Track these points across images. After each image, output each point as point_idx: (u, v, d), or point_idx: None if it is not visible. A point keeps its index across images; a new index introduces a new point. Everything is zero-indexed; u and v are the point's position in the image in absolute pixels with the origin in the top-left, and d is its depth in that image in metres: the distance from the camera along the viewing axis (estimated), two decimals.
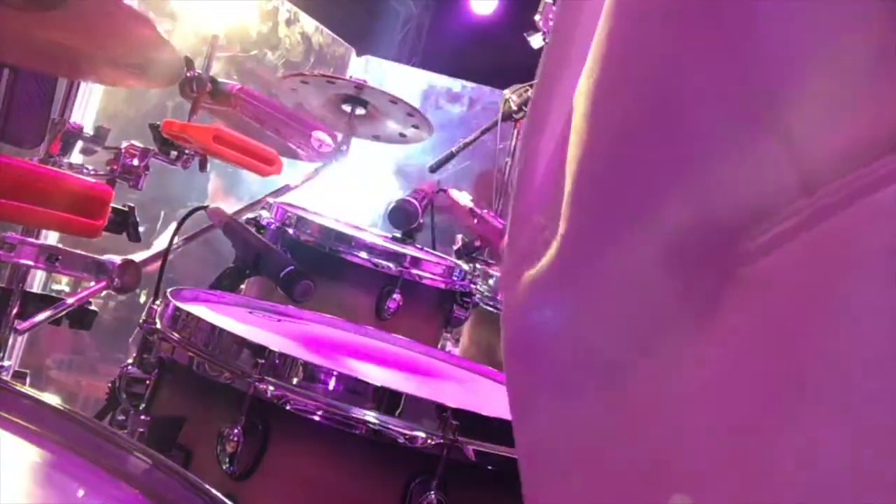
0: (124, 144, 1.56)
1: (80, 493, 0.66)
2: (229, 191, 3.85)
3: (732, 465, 0.37)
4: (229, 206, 1.76)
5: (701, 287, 0.40)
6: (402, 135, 2.36)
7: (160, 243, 1.98)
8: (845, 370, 0.35)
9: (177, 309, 1.11)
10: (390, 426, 0.95)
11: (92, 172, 1.54)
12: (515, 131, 2.61)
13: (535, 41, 2.35)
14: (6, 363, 1.57)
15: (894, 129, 0.34)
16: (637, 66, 0.42)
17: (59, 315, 1.52)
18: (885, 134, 0.34)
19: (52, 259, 1.44)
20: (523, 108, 2.48)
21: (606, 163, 0.44)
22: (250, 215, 1.82)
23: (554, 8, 2.36)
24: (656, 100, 0.41)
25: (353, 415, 0.95)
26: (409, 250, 1.81)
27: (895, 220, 0.34)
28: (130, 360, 1.13)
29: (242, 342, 1.02)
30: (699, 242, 0.40)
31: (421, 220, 1.99)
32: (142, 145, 1.58)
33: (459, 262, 1.94)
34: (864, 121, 0.35)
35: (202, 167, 1.67)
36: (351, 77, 2.15)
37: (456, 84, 5.35)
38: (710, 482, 0.38)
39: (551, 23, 2.27)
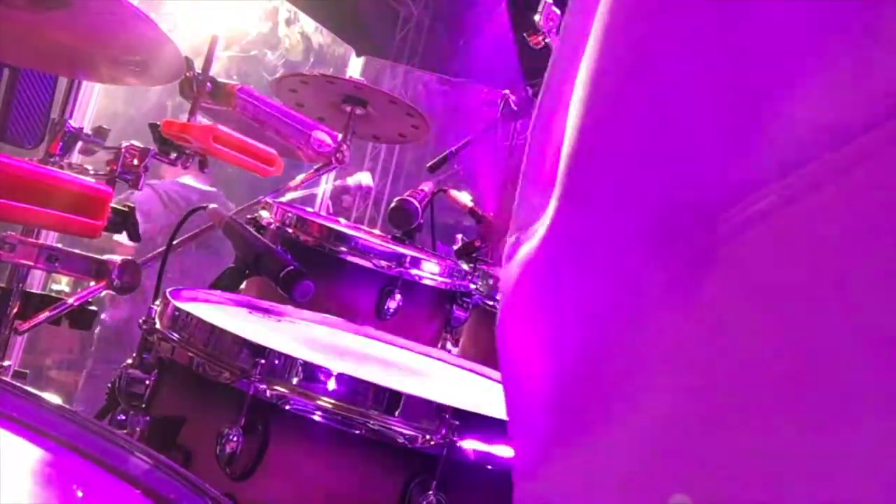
0: (124, 144, 1.56)
1: (80, 493, 0.66)
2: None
3: (705, 437, 0.39)
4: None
5: (682, 266, 0.41)
6: (401, 135, 2.36)
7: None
8: (818, 348, 0.35)
9: (177, 309, 1.11)
10: (390, 426, 0.95)
11: (92, 172, 1.54)
12: (515, 131, 2.61)
13: (535, 41, 2.35)
14: (6, 363, 1.57)
15: (867, 112, 0.35)
16: (629, 53, 0.43)
17: (59, 315, 1.52)
18: (859, 118, 0.35)
19: (52, 259, 1.44)
20: (523, 108, 2.48)
21: (596, 142, 0.45)
22: (250, 215, 1.83)
23: (554, 8, 2.36)
24: (647, 84, 0.43)
25: (353, 415, 0.95)
26: (409, 250, 1.81)
27: (863, 203, 0.35)
28: (130, 361, 1.13)
29: (242, 342, 1.02)
30: (681, 222, 0.41)
31: (421, 220, 1.99)
32: (142, 145, 1.58)
33: (459, 261, 1.94)
34: (838, 105, 0.36)
35: (202, 167, 1.67)
36: (351, 77, 2.15)
37: (455, 84, 5.35)
38: (682, 455, 0.39)
39: (551, 23, 2.27)
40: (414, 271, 1.73)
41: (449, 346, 1.96)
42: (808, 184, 0.36)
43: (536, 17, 2.30)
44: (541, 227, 0.47)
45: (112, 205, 1.42)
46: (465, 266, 1.89)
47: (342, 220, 2.17)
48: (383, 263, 1.70)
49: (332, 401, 0.96)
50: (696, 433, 0.39)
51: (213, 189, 3.75)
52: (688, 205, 0.41)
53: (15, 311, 1.51)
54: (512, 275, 0.50)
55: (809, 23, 0.37)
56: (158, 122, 1.57)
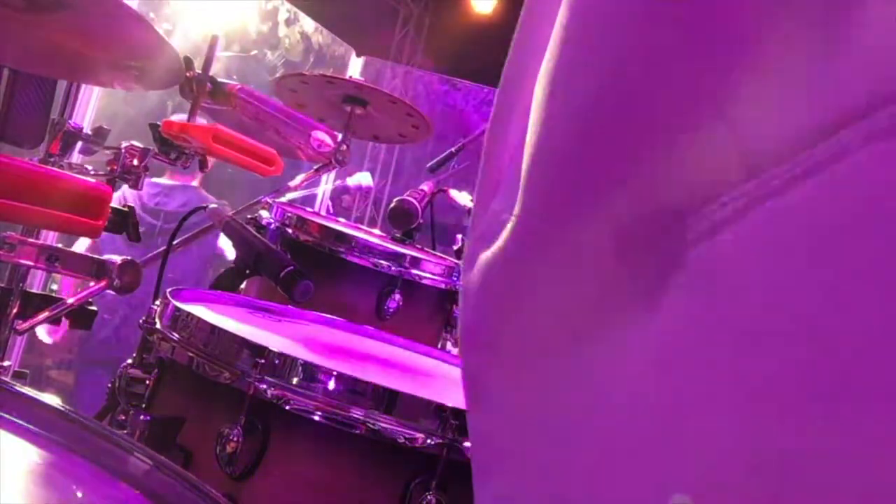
0: (124, 144, 1.56)
1: (80, 493, 0.66)
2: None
3: (665, 446, 0.38)
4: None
5: (649, 272, 0.41)
6: (401, 135, 2.36)
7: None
8: (788, 355, 0.35)
9: (177, 309, 1.11)
10: (390, 426, 0.95)
11: (92, 172, 1.54)
12: None
13: None
14: (6, 363, 1.57)
15: (837, 113, 0.35)
16: (598, 50, 0.43)
17: (59, 315, 1.52)
18: (829, 118, 0.35)
19: (52, 259, 1.44)
20: None
21: (563, 146, 0.44)
22: (250, 215, 1.83)
23: None
24: (617, 84, 0.42)
25: (353, 415, 0.95)
26: (409, 250, 1.81)
27: (834, 205, 0.35)
28: (130, 360, 1.14)
29: (242, 342, 1.02)
30: (648, 227, 0.41)
31: (421, 220, 1.99)
32: (142, 145, 1.58)
33: (459, 262, 1.94)
34: (807, 105, 0.36)
35: (202, 167, 1.67)
36: (351, 77, 2.15)
37: (455, 84, 5.36)
38: (644, 461, 0.39)
39: None
40: (414, 271, 1.73)
41: (449, 346, 1.96)
42: (778, 185, 0.36)
43: None
44: (504, 233, 0.47)
45: (112, 205, 1.42)
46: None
47: (342, 219, 2.18)
48: (383, 263, 1.70)
49: (332, 401, 0.96)
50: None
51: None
52: (654, 209, 0.40)
53: (15, 311, 1.51)
54: (473, 282, 0.49)
55: (768, 20, 0.37)
56: (158, 122, 1.57)
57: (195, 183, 3.59)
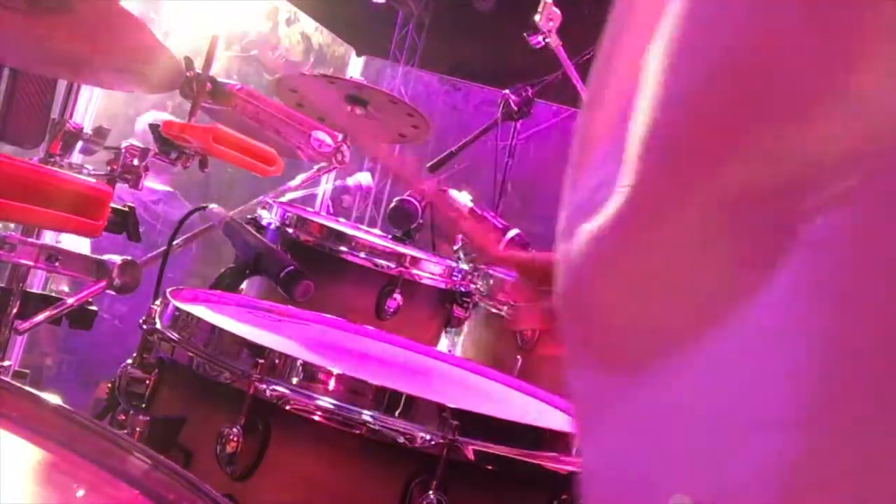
0: (124, 144, 1.56)
1: (80, 493, 0.66)
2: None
3: (785, 423, 0.39)
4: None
5: (760, 249, 0.41)
6: (401, 135, 2.37)
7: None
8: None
9: (177, 309, 1.11)
10: (390, 426, 0.95)
11: (92, 172, 1.54)
12: (515, 131, 2.61)
13: (535, 41, 2.35)
14: (6, 363, 1.57)
15: None
16: (721, 28, 0.43)
17: (59, 315, 1.52)
18: None
19: (52, 259, 1.44)
20: (523, 108, 2.48)
21: (684, 121, 0.44)
22: (250, 215, 1.83)
23: (554, 8, 2.35)
24: (740, 60, 0.42)
25: (353, 415, 0.95)
26: (409, 250, 1.81)
27: None
28: (130, 360, 1.13)
29: (242, 342, 1.02)
30: (761, 202, 0.41)
31: (421, 220, 1.99)
32: (142, 145, 1.58)
33: (459, 261, 1.94)
34: None
35: (202, 167, 1.67)
36: (351, 77, 2.15)
37: (455, 84, 5.36)
38: (767, 435, 0.39)
39: (551, 23, 2.27)
40: (414, 271, 1.73)
41: (449, 346, 1.96)
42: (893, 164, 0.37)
43: (536, 17, 2.30)
44: (612, 205, 0.47)
45: (112, 205, 1.42)
46: (465, 266, 1.89)
47: (342, 219, 2.18)
48: (383, 263, 1.70)
49: (332, 401, 0.96)
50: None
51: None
52: (768, 184, 0.41)
53: (15, 311, 1.51)
54: (575, 252, 0.49)
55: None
56: (158, 122, 1.57)
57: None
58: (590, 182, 0.50)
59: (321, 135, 1.88)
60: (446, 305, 1.82)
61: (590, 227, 0.48)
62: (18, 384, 0.73)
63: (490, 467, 0.97)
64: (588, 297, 0.50)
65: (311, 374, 0.98)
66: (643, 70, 0.45)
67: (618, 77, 0.49)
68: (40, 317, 1.51)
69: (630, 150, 0.46)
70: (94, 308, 1.57)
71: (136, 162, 1.55)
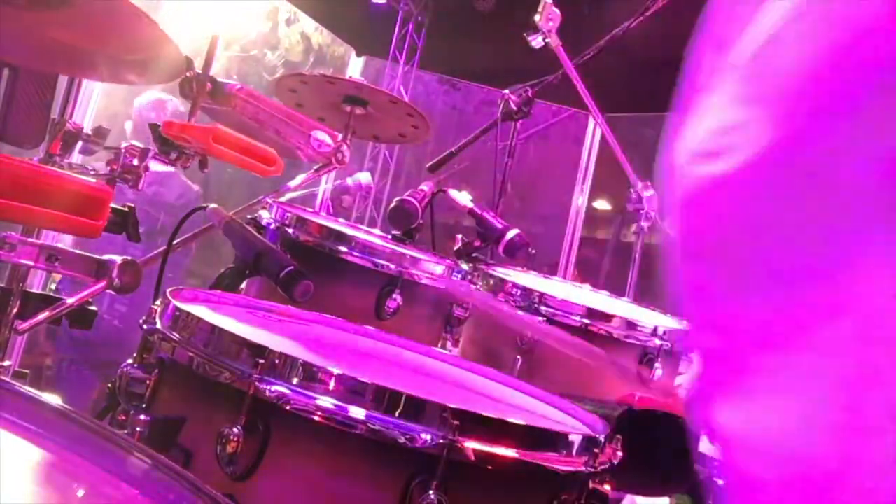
0: (124, 144, 1.56)
1: (80, 493, 0.66)
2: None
3: None
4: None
5: None
6: (401, 135, 2.37)
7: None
8: None
9: (177, 309, 1.11)
10: (390, 426, 0.95)
11: (92, 172, 1.54)
12: (515, 131, 2.61)
13: (535, 41, 2.35)
14: (6, 363, 1.57)
15: None
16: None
17: (59, 315, 1.52)
18: None
19: (52, 259, 1.44)
20: (523, 108, 2.48)
21: (833, 73, 0.45)
22: (250, 215, 1.83)
23: (554, 8, 2.35)
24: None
25: (353, 415, 0.95)
26: (409, 250, 1.81)
27: None
28: (130, 360, 1.13)
29: (242, 342, 1.02)
30: None
31: (421, 220, 1.99)
32: (142, 145, 1.58)
33: (459, 261, 1.94)
34: None
35: (202, 167, 1.67)
36: (351, 77, 2.15)
37: (455, 84, 5.35)
38: None
39: (551, 23, 2.27)
40: (414, 271, 1.73)
41: (449, 346, 1.96)
42: None
43: (536, 17, 2.30)
44: (740, 153, 0.47)
45: (112, 205, 1.42)
46: (465, 266, 1.88)
47: (342, 219, 2.18)
48: (383, 263, 1.70)
49: (332, 401, 0.96)
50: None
51: None
52: None
53: (15, 311, 1.51)
54: (697, 191, 0.49)
55: None
56: (158, 122, 1.57)
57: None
58: (707, 123, 0.50)
59: (321, 135, 1.88)
60: (446, 305, 1.82)
61: (712, 169, 0.48)
62: (18, 384, 0.73)
63: (490, 467, 0.97)
64: (709, 234, 0.50)
65: (312, 374, 0.98)
66: (790, 18, 0.46)
67: (744, 22, 0.50)
68: (40, 317, 1.51)
69: (772, 100, 0.46)
70: (94, 308, 1.57)
71: (136, 162, 1.55)
